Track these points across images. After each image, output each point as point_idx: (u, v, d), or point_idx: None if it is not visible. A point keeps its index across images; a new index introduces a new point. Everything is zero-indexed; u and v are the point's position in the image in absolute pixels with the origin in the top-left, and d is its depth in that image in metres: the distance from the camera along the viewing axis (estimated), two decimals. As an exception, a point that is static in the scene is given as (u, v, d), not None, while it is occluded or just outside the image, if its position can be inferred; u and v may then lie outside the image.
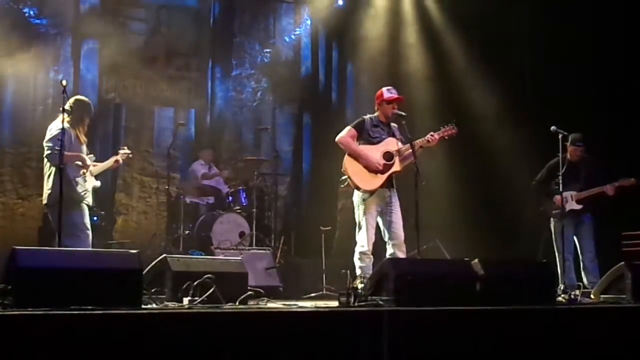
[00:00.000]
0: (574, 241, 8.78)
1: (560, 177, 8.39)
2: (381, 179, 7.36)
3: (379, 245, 7.49)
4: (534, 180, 8.89)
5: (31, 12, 11.00)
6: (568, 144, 8.72)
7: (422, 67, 11.23)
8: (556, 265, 8.29)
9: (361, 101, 12.00)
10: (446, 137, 7.51)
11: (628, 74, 10.01)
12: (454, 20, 11.13)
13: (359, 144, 7.48)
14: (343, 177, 7.52)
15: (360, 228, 7.38)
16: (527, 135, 10.06)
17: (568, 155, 8.78)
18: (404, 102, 7.58)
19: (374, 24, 12.10)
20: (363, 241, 7.31)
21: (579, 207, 8.73)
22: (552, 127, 8.27)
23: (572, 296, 6.76)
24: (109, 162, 7.94)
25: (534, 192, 8.89)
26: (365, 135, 7.48)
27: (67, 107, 7.22)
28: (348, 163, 7.44)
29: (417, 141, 7.34)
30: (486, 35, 10.70)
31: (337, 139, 7.52)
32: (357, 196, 7.46)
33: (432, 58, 11.36)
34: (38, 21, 11.04)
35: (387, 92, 7.54)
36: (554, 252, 8.66)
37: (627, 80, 10.01)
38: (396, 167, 7.39)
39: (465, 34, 10.93)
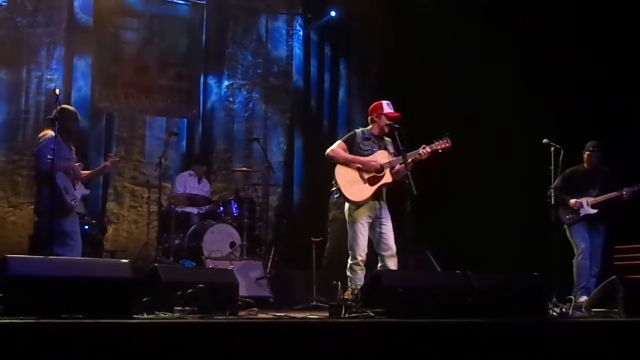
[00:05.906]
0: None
1: (551, 190, 8.39)
2: (370, 190, 7.30)
3: (370, 258, 7.47)
4: (550, 189, 8.45)
5: (24, 22, 10.98)
6: (584, 150, 8.70)
7: (418, 76, 11.09)
8: (553, 277, 7.74)
9: (354, 112, 12.01)
10: (440, 151, 7.35)
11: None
12: (451, 25, 10.95)
13: None
14: (333, 189, 7.49)
15: (351, 239, 7.34)
16: (520, 145, 10.00)
17: (584, 163, 8.76)
18: (400, 119, 7.42)
19: (367, 34, 12.09)
20: (354, 252, 7.28)
21: (594, 211, 8.59)
22: (544, 140, 8.28)
23: (564, 309, 6.75)
24: (95, 171, 8.09)
25: (555, 200, 8.47)
26: (356, 148, 7.42)
27: (53, 116, 7.26)
28: (338, 174, 7.39)
29: (409, 154, 7.21)
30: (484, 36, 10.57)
31: (327, 152, 7.47)
32: (347, 208, 7.44)
33: (428, 66, 11.24)
34: (31, 31, 11.02)
35: (387, 107, 7.44)
36: (562, 263, 8.47)
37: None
38: (386, 178, 7.32)
39: (463, 35, 10.73)
